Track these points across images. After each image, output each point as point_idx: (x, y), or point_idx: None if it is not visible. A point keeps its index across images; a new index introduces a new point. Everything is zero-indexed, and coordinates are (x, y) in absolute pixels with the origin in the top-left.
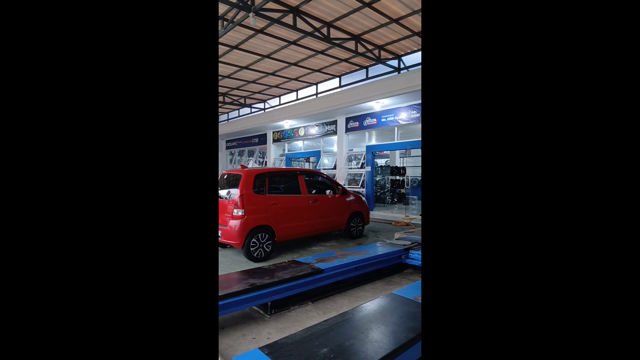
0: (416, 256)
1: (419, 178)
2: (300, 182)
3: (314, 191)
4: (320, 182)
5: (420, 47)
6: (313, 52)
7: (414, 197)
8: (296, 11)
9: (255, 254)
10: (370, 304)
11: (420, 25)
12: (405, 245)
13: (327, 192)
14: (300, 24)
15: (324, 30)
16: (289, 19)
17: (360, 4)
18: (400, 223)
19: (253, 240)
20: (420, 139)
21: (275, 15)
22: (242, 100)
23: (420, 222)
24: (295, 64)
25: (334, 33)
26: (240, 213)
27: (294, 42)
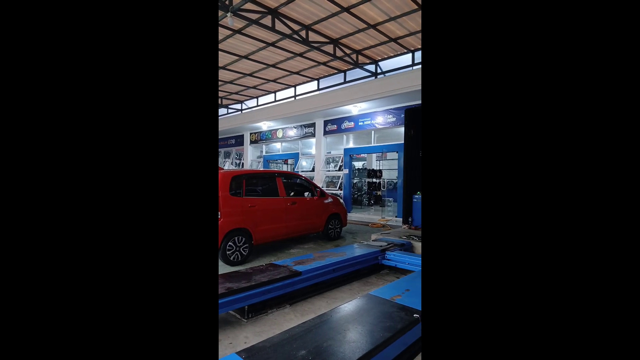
0: (392, 257)
1: (395, 181)
2: (278, 184)
3: (292, 193)
4: (298, 184)
5: (396, 53)
6: (291, 55)
7: (390, 199)
8: (275, 13)
9: (231, 258)
10: (348, 305)
11: (396, 32)
12: (381, 246)
13: (306, 194)
14: (279, 25)
15: (303, 33)
16: (267, 21)
17: (338, 9)
18: (377, 225)
19: (229, 243)
20: (395, 142)
21: (254, 16)
22: (219, 101)
23: (395, 224)
24: (273, 66)
25: (313, 36)
26: None
27: (273, 44)
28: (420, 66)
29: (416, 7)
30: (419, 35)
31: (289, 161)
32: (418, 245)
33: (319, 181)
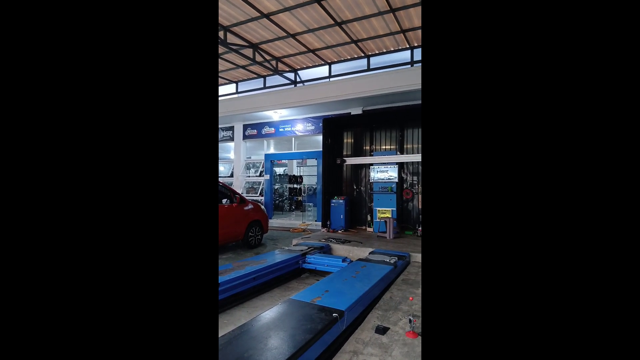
0: (312, 260)
1: (315, 186)
2: None
3: None
4: None
5: (314, 64)
6: None
7: (310, 204)
8: None
9: None
10: (269, 312)
11: (315, 43)
12: (302, 250)
13: (224, 201)
14: None
15: (221, 34)
16: None
17: (258, 14)
18: (298, 229)
19: None
20: (314, 150)
21: None
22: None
23: (315, 228)
24: None
25: (231, 38)
26: None
27: None
28: (335, 78)
29: (332, 22)
30: (335, 49)
31: None
32: (336, 247)
33: (239, 187)
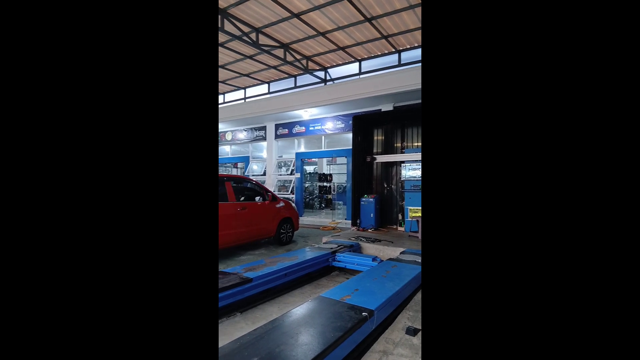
0: (342, 258)
1: (344, 185)
2: (228, 189)
3: (242, 198)
4: (249, 188)
5: (344, 61)
6: (241, 56)
7: (340, 202)
8: (224, 13)
9: None
10: (299, 309)
11: (344, 41)
12: (332, 248)
13: (257, 198)
14: (228, 26)
15: (253, 36)
16: None
17: (289, 14)
18: (328, 227)
19: None
20: (344, 148)
21: None
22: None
23: (344, 226)
24: (222, 67)
25: (263, 39)
26: None
27: (222, 45)
28: (365, 75)
29: (363, 19)
30: (365, 45)
31: (239, 165)
32: (366, 246)
33: (271, 185)
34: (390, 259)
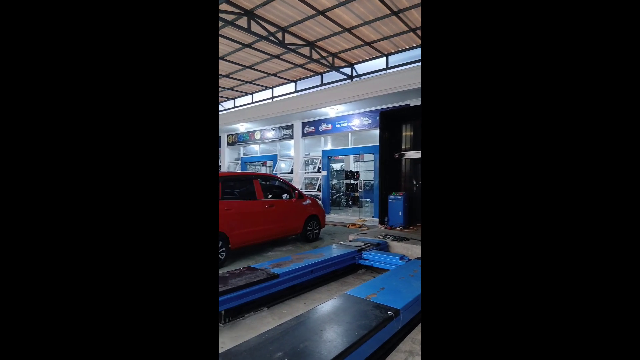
0: (368, 257)
1: (371, 182)
2: (256, 187)
3: (270, 195)
4: (276, 186)
5: (371, 57)
6: (268, 56)
7: (367, 200)
8: (250, 14)
9: None
10: (325, 306)
11: (371, 36)
12: (358, 246)
13: (284, 196)
14: (255, 27)
15: (279, 35)
16: (243, 22)
17: (314, 12)
18: (354, 225)
19: None
20: (371, 144)
21: (229, 17)
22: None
23: (371, 224)
24: (250, 67)
25: (289, 38)
26: None
27: (249, 45)
28: (393, 69)
29: (389, 12)
30: (393, 39)
31: (268, 163)
32: (393, 245)
33: (298, 183)
34: (418, 258)
